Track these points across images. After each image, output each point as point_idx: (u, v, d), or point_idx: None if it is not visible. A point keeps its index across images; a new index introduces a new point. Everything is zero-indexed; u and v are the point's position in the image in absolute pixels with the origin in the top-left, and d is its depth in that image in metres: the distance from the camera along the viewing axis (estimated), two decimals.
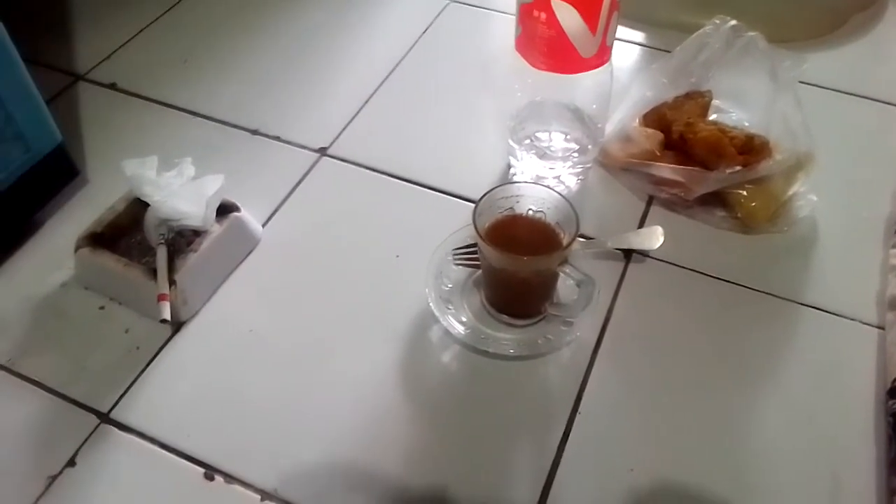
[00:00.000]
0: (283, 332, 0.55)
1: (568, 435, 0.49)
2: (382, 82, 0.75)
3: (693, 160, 0.60)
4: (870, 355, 0.53)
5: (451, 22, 0.83)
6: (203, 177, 0.56)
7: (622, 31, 0.78)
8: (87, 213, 0.58)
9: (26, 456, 0.48)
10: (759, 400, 0.51)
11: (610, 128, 0.64)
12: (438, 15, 0.83)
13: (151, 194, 0.55)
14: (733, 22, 0.64)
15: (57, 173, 0.62)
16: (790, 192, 0.59)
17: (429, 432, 0.49)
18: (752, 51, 0.63)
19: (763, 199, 0.59)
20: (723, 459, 0.48)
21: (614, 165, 0.64)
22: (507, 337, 0.53)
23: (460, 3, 0.85)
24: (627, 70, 0.75)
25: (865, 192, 0.64)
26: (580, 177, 0.64)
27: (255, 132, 0.70)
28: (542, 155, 0.62)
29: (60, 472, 0.47)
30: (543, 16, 0.51)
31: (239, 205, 0.58)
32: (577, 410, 0.50)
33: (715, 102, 0.64)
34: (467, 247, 0.55)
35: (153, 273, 0.53)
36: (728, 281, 0.57)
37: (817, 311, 0.55)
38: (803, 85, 0.65)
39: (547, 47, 0.53)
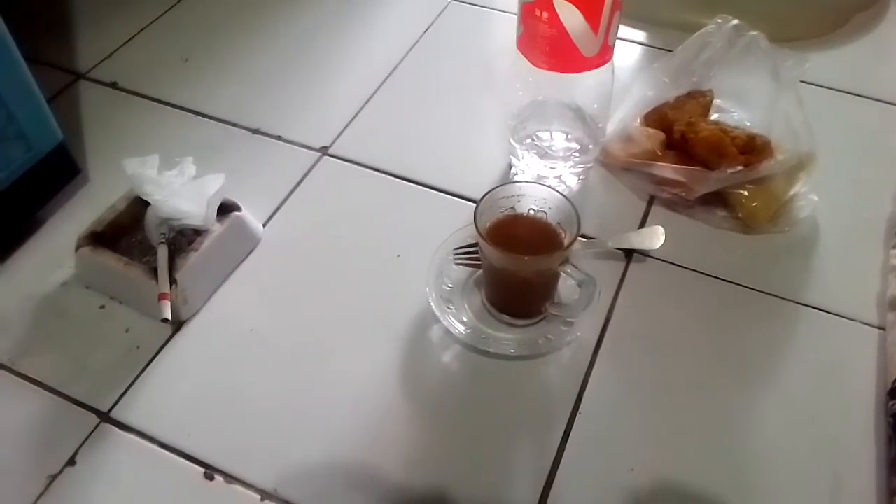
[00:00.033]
0: (283, 331, 0.55)
1: (568, 435, 0.49)
2: (383, 82, 0.75)
3: (694, 160, 0.60)
4: (870, 356, 0.53)
5: (452, 21, 0.82)
6: (204, 176, 0.56)
7: (624, 31, 0.78)
8: (88, 211, 0.58)
9: (26, 455, 0.48)
10: (759, 400, 0.51)
11: (611, 127, 0.64)
12: (440, 14, 0.83)
13: (152, 193, 0.55)
14: (735, 21, 0.64)
15: (58, 172, 0.62)
16: (791, 192, 0.59)
17: (429, 432, 0.49)
18: (754, 50, 0.62)
19: (764, 198, 0.59)
20: (723, 459, 0.48)
21: (615, 165, 0.64)
22: (507, 337, 0.53)
23: (461, 2, 0.85)
24: (629, 69, 0.75)
25: (867, 193, 0.63)
26: (581, 176, 0.63)
27: (255, 131, 0.70)
28: (544, 154, 0.62)
29: (60, 472, 0.47)
30: (545, 15, 0.51)
31: (240, 204, 0.58)
32: (577, 410, 0.50)
33: (716, 102, 0.64)
34: (468, 246, 0.55)
35: (154, 272, 0.53)
36: (729, 281, 0.57)
37: (818, 311, 0.55)
38: (805, 84, 0.65)
39: (549, 46, 0.53)
